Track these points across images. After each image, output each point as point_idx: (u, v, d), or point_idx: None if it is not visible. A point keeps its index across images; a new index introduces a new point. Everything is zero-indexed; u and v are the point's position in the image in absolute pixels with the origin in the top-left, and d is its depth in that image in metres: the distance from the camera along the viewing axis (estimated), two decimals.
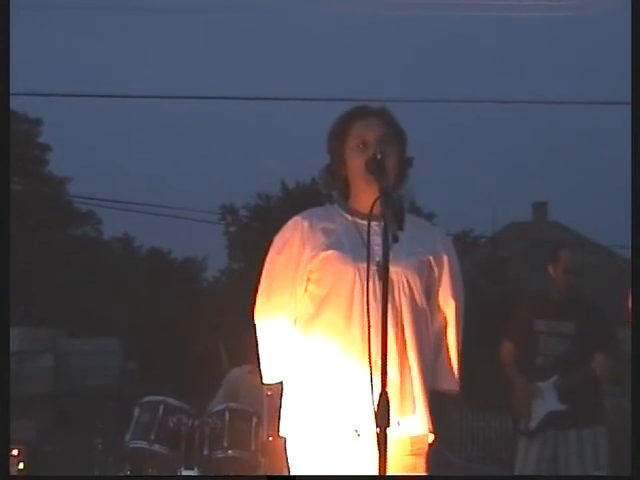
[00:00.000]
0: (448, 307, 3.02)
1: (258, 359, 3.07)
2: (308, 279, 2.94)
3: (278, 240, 3.02)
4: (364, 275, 2.76)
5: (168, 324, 23.67)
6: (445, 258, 3.00)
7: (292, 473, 2.92)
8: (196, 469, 5.61)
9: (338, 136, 2.99)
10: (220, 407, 5.88)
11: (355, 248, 2.85)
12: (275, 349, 3.01)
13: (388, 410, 2.53)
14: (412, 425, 2.85)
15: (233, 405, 5.89)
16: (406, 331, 2.86)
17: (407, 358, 2.85)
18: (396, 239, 2.56)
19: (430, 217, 23.44)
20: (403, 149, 3.00)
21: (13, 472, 8.04)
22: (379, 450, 2.51)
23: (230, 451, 5.68)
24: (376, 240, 2.72)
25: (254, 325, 3.07)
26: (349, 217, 2.96)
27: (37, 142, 27.13)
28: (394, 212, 2.60)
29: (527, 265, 21.19)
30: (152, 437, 5.65)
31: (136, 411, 5.82)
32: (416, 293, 2.89)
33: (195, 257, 34.87)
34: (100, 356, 16.84)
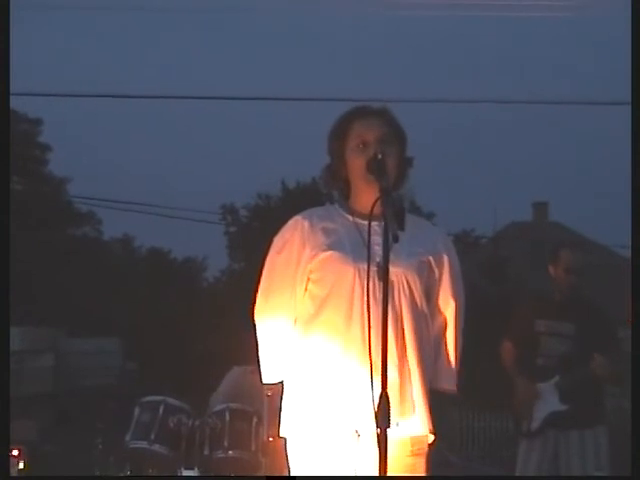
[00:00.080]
0: (448, 307, 3.02)
1: (258, 359, 3.06)
2: (308, 279, 2.94)
3: (278, 240, 3.02)
4: (364, 275, 2.76)
5: (168, 324, 23.67)
6: (445, 258, 3.00)
7: (292, 474, 2.91)
8: (196, 469, 5.61)
9: (338, 136, 2.99)
10: (220, 407, 5.88)
11: (355, 248, 2.85)
12: (275, 349, 3.01)
13: (388, 410, 2.53)
14: (412, 426, 2.85)
15: (233, 405, 5.89)
16: (406, 332, 2.85)
17: (407, 359, 2.84)
18: (396, 239, 2.56)
19: (430, 217, 23.46)
20: (403, 149, 3.00)
21: (13, 472, 8.04)
22: (379, 450, 2.51)
23: (230, 451, 5.68)
24: (376, 240, 2.72)
25: (254, 325, 3.06)
26: (349, 217, 2.95)
27: (37, 142, 27.14)
28: (394, 212, 2.60)
29: (528, 265, 21.17)
30: (152, 437, 5.65)
31: (136, 411, 5.82)
32: (416, 294, 2.89)
33: (195, 257, 34.92)
34: (100, 356, 16.85)
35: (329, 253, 2.89)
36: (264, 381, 3.06)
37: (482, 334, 7.41)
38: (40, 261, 22.48)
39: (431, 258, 2.96)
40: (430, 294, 2.97)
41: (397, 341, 2.82)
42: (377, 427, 2.52)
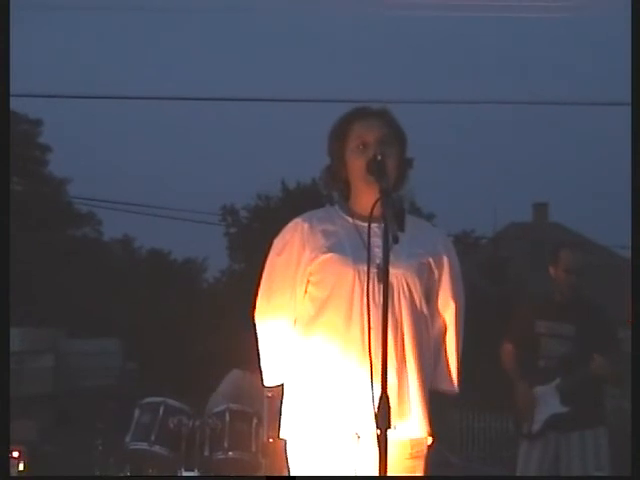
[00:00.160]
0: (448, 308, 3.02)
1: (259, 360, 3.07)
2: (308, 281, 2.94)
3: (278, 242, 3.02)
4: (364, 277, 2.76)
5: (168, 325, 23.67)
6: (445, 259, 3.00)
7: (292, 475, 2.92)
8: (196, 470, 5.62)
9: (338, 137, 2.99)
10: (220, 408, 5.88)
11: (356, 250, 2.85)
12: (275, 350, 3.01)
13: (388, 412, 2.53)
14: (410, 428, 2.84)
15: (233, 406, 5.89)
16: (406, 334, 2.85)
17: (406, 362, 2.84)
18: (396, 240, 2.56)
19: (430, 218, 23.44)
20: (403, 150, 3.00)
21: (14, 473, 8.04)
22: (379, 452, 2.50)
23: (230, 452, 5.68)
24: (376, 242, 2.72)
25: (254, 326, 3.07)
26: (349, 219, 2.95)
27: (37, 143, 27.14)
28: (394, 213, 2.60)
29: (528, 266, 21.18)
30: (152, 438, 5.65)
31: (136, 412, 5.82)
32: (416, 296, 2.89)
33: (195, 258, 34.88)
34: (100, 356, 16.85)
35: (329, 255, 2.89)
36: (265, 384, 3.07)
37: (482, 335, 7.40)
38: (40, 262, 22.48)
39: (431, 259, 2.96)
40: (430, 295, 2.97)
41: (396, 343, 2.81)
42: (377, 428, 2.52)
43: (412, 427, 2.85)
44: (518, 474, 5.36)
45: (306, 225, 2.96)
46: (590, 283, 5.39)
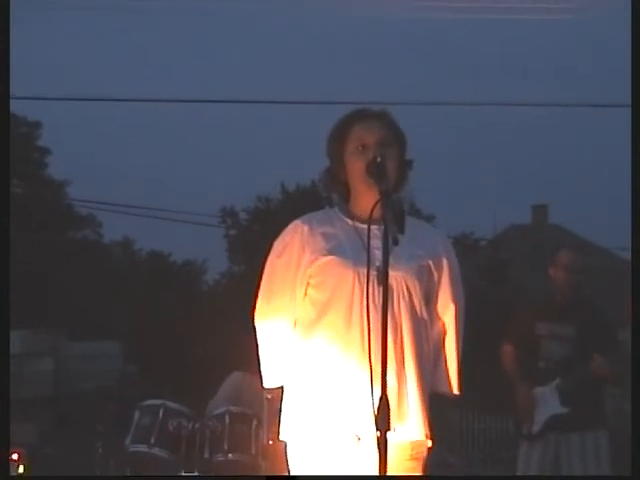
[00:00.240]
0: (448, 311, 3.02)
1: (258, 362, 3.07)
2: (308, 283, 2.94)
3: (278, 244, 3.02)
4: (364, 280, 2.76)
5: (168, 327, 23.66)
6: (445, 261, 3.00)
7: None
8: (196, 472, 5.61)
9: (338, 139, 2.99)
10: (220, 410, 5.88)
11: (356, 252, 2.85)
12: (275, 352, 3.01)
13: (388, 414, 2.53)
14: (409, 431, 2.84)
15: (233, 408, 5.89)
16: (405, 337, 2.85)
17: (406, 364, 2.84)
18: (396, 242, 2.56)
19: (430, 219, 23.43)
20: (403, 152, 2.99)
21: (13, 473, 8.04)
22: (379, 454, 2.50)
23: (230, 454, 5.68)
24: (376, 244, 2.73)
25: (254, 328, 3.07)
26: (349, 221, 2.95)
27: (37, 145, 27.13)
28: (394, 215, 2.60)
29: (527, 268, 21.17)
30: (152, 440, 5.65)
31: (136, 414, 5.82)
32: (415, 299, 2.89)
33: (195, 260, 34.86)
34: (100, 359, 16.83)
35: (329, 258, 2.89)
36: (265, 385, 3.07)
37: (482, 336, 7.40)
38: (40, 264, 22.48)
39: (431, 261, 2.96)
40: (430, 297, 2.97)
41: (396, 346, 2.82)
42: (377, 430, 2.52)
43: (411, 430, 2.85)
44: (518, 474, 5.36)
45: (306, 227, 2.96)
46: (590, 284, 5.39)
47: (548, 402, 5.23)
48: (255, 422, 5.78)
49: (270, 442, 5.60)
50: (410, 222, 2.75)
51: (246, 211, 28.37)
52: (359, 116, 3.01)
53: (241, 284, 21.01)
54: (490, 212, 39.95)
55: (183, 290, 28.02)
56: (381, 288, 2.66)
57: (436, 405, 2.96)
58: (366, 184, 2.87)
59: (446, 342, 3.02)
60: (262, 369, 3.05)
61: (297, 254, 2.95)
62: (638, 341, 3.72)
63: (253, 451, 5.72)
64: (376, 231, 2.72)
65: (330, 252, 2.89)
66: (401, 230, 2.58)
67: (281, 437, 2.95)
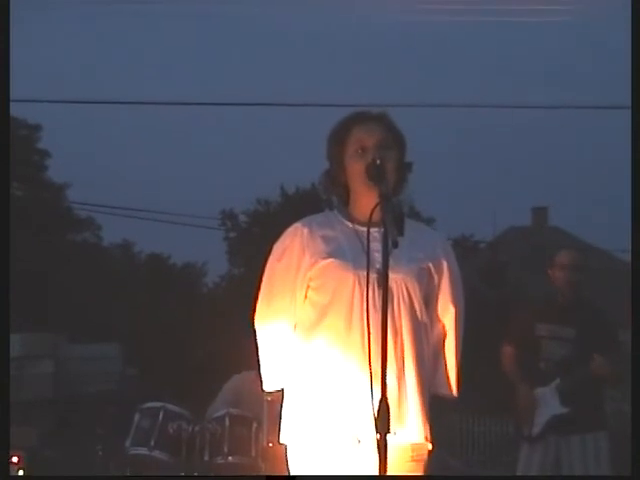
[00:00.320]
0: (448, 313, 3.02)
1: (259, 365, 3.07)
2: (308, 286, 2.94)
3: (278, 247, 3.02)
4: (364, 282, 2.76)
5: (168, 329, 23.65)
6: (445, 263, 3.00)
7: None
8: (196, 475, 5.61)
9: (337, 141, 2.99)
10: (220, 413, 5.87)
11: (355, 255, 2.85)
12: (275, 355, 3.01)
13: (388, 416, 2.53)
14: (409, 434, 2.84)
15: (233, 411, 5.88)
16: (405, 339, 2.85)
17: (405, 367, 2.84)
18: (396, 244, 2.56)
19: (430, 222, 23.45)
20: (403, 154, 2.99)
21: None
22: (379, 456, 2.50)
23: (230, 457, 5.67)
24: (376, 246, 2.73)
25: (254, 330, 3.06)
26: (349, 224, 2.95)
27: (37, 148, 27.16)
28: (394, 217, 2.59)
29: (527, 270, 21.17)
30: (152, 443, 5.64)
31: (136, 417, 5.81)
32: (415, 301, 2.89)
33: (195, 263, 34.85)
34: (100, 361, 16.85)
35: (329, 261, 2.89)
36: (265, 388, 3.07)
37: (482, 338, 7.40)
38: (40, 267, 22.49)
39: (430, 264, 2.96)
40: (430, 300, 2.97)
41: (396, 348, 2.82)
42: (377, 432, 2.52)
43: (411, 432, 2.85)
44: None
45: (306, 230, 2.96)
46: (590, 285, 5.40)
47: (548, 403, 5.23)
48: (255, 425, 5.78)
49: (270, 445, 5.60)
50: (410, 224, 2.75)
51: (246, 214, 28.39)
52: (359, 118, 3.01)
53: (241, 287, 21.00)
54: (490, 214, 40.03)
55: (183, 293, 28.02)
56: (381, 291, 2.65)
57: (436, 407, 2.96)
58: (366, 186, 2.87)
59: (446, 344, 3.02)
60: (262, 372, 3.05)
61: (297, 257, 2.94)
62: (638, 342, 3.72)
63: (253, 454, 5.72)
64: (376, 234, 2.72)
65: (330, 255, 2.89)
66: (401, 233, 2.58)
67: (281, 440, 2.95)
